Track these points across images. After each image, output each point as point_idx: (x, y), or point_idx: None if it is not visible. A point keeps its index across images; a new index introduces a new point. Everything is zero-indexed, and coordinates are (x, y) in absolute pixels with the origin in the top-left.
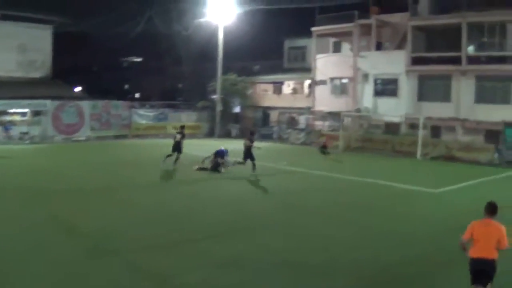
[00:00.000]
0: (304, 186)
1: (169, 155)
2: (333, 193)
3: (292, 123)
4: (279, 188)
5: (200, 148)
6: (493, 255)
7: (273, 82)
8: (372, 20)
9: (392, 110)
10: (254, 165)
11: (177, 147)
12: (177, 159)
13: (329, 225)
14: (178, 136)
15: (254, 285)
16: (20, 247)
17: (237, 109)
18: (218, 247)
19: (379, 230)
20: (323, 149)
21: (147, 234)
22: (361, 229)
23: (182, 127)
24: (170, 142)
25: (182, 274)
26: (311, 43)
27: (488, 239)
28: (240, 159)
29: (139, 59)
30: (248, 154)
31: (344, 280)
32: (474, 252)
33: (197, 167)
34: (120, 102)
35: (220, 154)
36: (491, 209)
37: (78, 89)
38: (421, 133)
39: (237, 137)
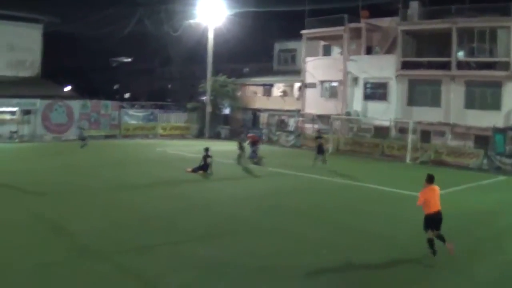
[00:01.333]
0: (292, 188)
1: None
2: (322, 195)
3: (281, 125)
4: (266, 190)
5: (190, 149)
6: (440, 207)
7: (263, 84)
8: (362, 24)
9: (382, 114)
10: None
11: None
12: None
13: (316, 227)
14: (209, 160)
15: None
16: (5, 248)
17: (226, 111)
18: (202, 250)
19: (366, 233)
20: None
21: (132, 235)
22: (347, 232)
23: (207, 149)
24: (160, 142)
25: (166, 275)
26: (301, 46)
27: (435, 198)
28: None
29: (128, 60)
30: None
31: (330, 283)
32: (430, 209)
33: (189, 169)
34: (109, 102)
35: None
36: (431, 179)
37: (67, 88)
38: (410, 137)
39: (227, 138)
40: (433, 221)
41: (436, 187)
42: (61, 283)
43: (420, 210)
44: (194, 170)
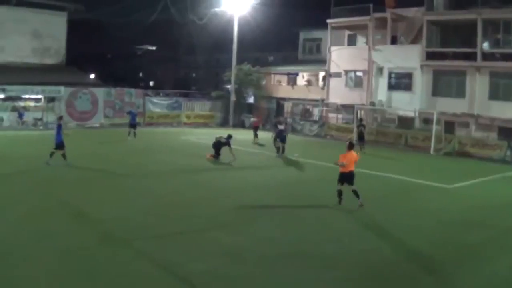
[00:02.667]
0: (314, 177)
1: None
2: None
3: (306, 115)
4: (288, 178)
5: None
6: (353, 168)
7: (288, 73)
8: (388, 14)
9: (406, 104)
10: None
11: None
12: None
13: (337, 217)
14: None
15: (260, 276)
16: (30, 234)
17: (250, 100)
18: (225, 237)
19: (388, 223)
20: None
21: (155, 222)
22: (370, 222)
23: (230, 136)
24: (184, 130)
25: (188, 263)
26: (326, 35)
27: (352, 161)
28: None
29: (153, 48)
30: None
31: (349, 272)
32: (346, 168)
33: (209, 154)
34: (133, 90)
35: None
36: (351, 146)
37: (92, 76)
38: (434, 128)
39: (251, 127)
40: (346, 178)
41: (354, 153)
42: (84, 268)
43: (444, 202)
44: (215, 156)
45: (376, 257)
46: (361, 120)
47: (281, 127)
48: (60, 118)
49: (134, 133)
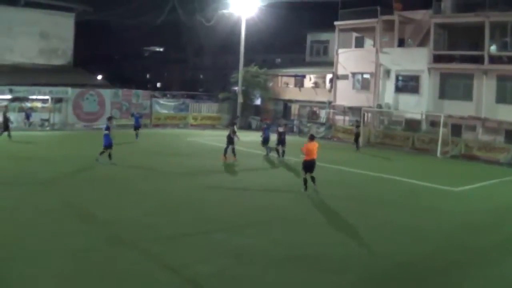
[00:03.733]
0: (321, 180)
1: None
2: (351, 187)
3: (313, 117)
4: (297, 181)
5: (221, 139)
6: (315, 157)
7: (295, 75)
8: (395, 16)
9: (413, 107)
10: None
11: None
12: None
13: (345, 219)
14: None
15: (267, 279)
16: (38, 235)
17: (258, 101)
18: (232, 239)
19: (395, 226)
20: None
21: (162, 224)
22: (376, 224)
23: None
24: (191, 132)
25: (196, 264)
26: (333, 37)
27: (314, 150)
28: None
29: (160, 49)
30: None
31: (358, 275)
32: (308, 157)
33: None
34: (141, 91)
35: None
36: (312, 138)
37: (99, 77)
38: (441, 131)
39: (258, 129)
40: (308, 166)
41: (315, 143)
42: (91, 269)
43: (451, 204)
44: (225, 154)
45: (385, 260)
46: (357, 121)
47: (281, 129)
48: (109, 119)
49: (136, 135)
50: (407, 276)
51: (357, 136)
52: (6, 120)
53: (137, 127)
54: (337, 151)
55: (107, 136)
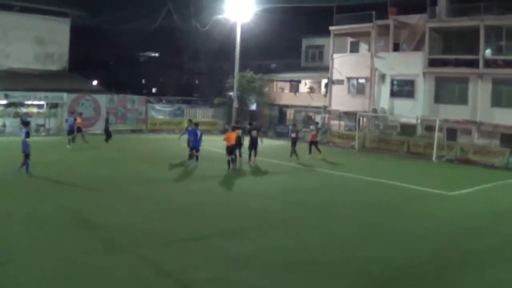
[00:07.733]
0: (317, 184)
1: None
2: (346, 192)
3: (308, 122)
4: (292, 186)
5: (216, 144)
6: (234, 143)
7: (290, 81)
8: (390, 21)
9: (408, 111)
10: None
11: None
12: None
13: (341, 224)
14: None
15: (264, 284)
16: (34, 239)
17: (253, 107)
18: (228, 245)
19: (391, 230)
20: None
21: (158, 229)
22: (373, 229)
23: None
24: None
25: (192, 270)
26: (328, 42)
27: (233, 138)
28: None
29: (156, 54)
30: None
31: (354, 279)
32: (229, 143)
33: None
34: (136, 97)
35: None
36: (234, 129)
37: (94, 82)
38: (437, 135)
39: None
40: (230, 150)
41: (236, 132)
42: (86, 275)
43: (446, 208)
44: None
45: (381, 263)
46: (294, 125)
47: (293, 135)
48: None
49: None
50: (404, 280)
51: (294, 140)
52: None
53: (71, 131)
54: (333, 156)
55: (196, 141)
